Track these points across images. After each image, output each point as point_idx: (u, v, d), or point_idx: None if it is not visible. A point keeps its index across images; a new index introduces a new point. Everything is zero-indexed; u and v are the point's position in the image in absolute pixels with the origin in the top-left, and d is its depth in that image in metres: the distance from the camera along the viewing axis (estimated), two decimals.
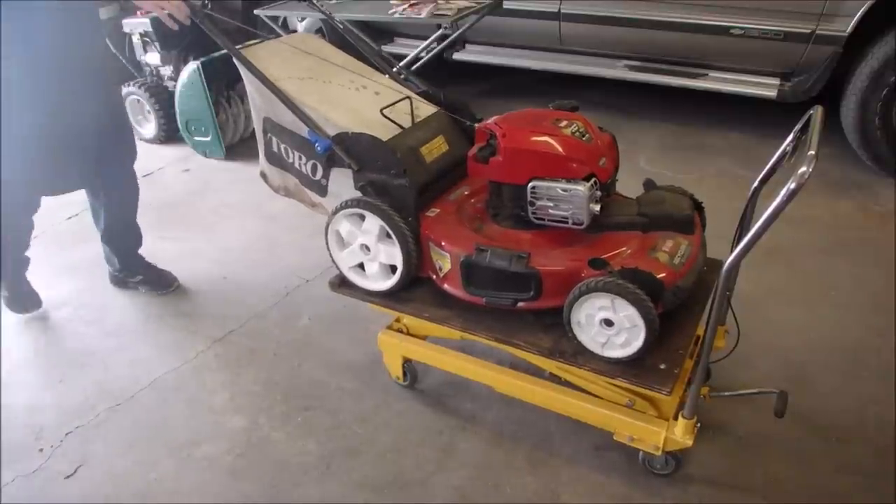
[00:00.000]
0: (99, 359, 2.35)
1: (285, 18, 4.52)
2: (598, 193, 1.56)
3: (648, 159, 3.45)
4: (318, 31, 4.45)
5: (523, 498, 1.73)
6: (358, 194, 1.79)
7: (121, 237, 2.60)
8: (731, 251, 1.35)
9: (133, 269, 2.65)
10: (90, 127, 2.21)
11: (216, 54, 3.62)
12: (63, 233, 3.11)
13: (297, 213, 2.66)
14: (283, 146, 1.96)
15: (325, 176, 1.91)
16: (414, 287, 1.82)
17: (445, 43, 3.88)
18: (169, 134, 4.05)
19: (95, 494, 1.83)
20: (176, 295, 2.64)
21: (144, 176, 3.68)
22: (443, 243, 1.68)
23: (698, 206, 1.71)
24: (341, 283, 1.92)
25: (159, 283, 2.67)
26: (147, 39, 4.00)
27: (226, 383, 2.18)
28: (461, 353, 1.90)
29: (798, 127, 1.42)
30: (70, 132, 2.17)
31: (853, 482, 1.70)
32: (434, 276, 1.78)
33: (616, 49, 3.78)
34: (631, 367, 1.53)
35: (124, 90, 4.04)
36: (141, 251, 2.67)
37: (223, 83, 3.77)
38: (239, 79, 1.98)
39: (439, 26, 3.74)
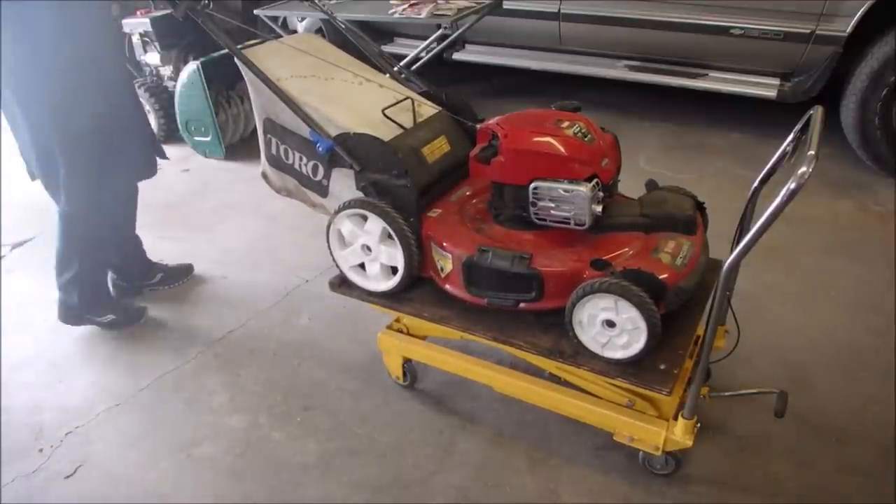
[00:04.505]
0: (99, 359, 2.35)
1: (285, 18, 4.52)
2: (600, 194, 1.56)
3: (648, 159, 3.45)
4: (319, 30, 4.45)
5: (523, 498, 1.73)
6: (359, 195, 1.80)
7: (126, 254, 2.59)
8: (731, 251, 1.35)
9: (151, 273, 2.66)
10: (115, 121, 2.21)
11: (216, 54, 3.62)
12: None
13: (297, 213, 2.67)
14: (283, 147, 1.96)
15: (326, 176, 1.91)
16: (414, 287, 1.82)
17: (445, 43, 3.88)
18: (169, 134, 4.04)
19: (95, 494, 1.83)
20: (176, 295, 2.65)
21: None
22: (444, 244, 1.68)
23: (700, 207, 1.71)
24: (341, 283, 1.92)
25: (179, 274, 2.71)
26: (147, 39, 4.00)
27: (225, 383, 2.18)
28: (461, 353, 1.90)
29: (798, 127, 1.42)
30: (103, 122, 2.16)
31: (853, 482, 1.70)
32: (435, 277, 1.78)
33: (616, 49, 3.78)
34: (631, 368, 1.53)
35: None
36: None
37: (223, 83, 3.77)
38: (239, 79, 1.98)
39: (439, 26, 3.74)
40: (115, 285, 2.64)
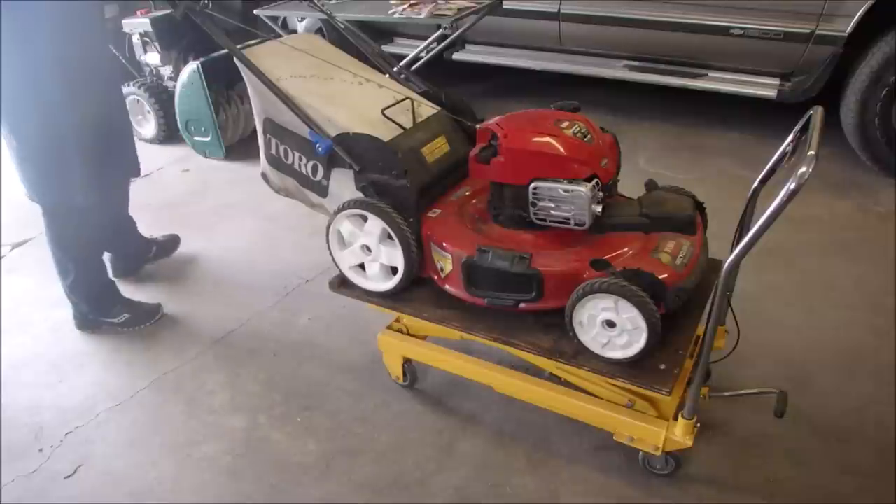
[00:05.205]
0: (99, 359, 2.35)
1: (285, 18, 4.52)
2: (600, 194, 1.56)
3: (648, 159, 3.45)
4: (318, 30, 4.45)
5: (523, 498, 1.73)
6: (359, 195, 1.79)
7: (121, 238, 2.60)
8: (731, 251, 1.35)
9: (146, 249, 2.71)
10: (98, 127, 2.19)
11: (216, 54, 3.61)
12: None
13: (297, 213, 2.67)
14: (283, 147, 1.96)
15: (326, 177, 1.91)
16: (414, 287, 1.82)
17: (445, 43, 3.88)
18: (169, 134, 4.04)
19: (95, 494, 1.83)
20: (175, 295, 2.64)
21: (144, 176, 3.67)
22: (444, 244, 1.68)
23: (700, 207, 1.71)
24: (341, 284, 1.92)
25: (170, 245, 2.80)
26: (147, 39, 4.00)
27: (225, 383, 2.18)
28: (461, 353, 1.90)
29: (798, 127, 1.42)
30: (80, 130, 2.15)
31: (853, 482, 1.70)
32: (435, 277, 1.78)
33: (616, 49, 3.78)
34: (631, 368, 1.53)
35: (124, 90, 4.05)
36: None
37: (223, 83, 3.76)
38: (239, 79, 1.98)
39: (439, 26, 3.73)
40: (114, 267, 2.65)
